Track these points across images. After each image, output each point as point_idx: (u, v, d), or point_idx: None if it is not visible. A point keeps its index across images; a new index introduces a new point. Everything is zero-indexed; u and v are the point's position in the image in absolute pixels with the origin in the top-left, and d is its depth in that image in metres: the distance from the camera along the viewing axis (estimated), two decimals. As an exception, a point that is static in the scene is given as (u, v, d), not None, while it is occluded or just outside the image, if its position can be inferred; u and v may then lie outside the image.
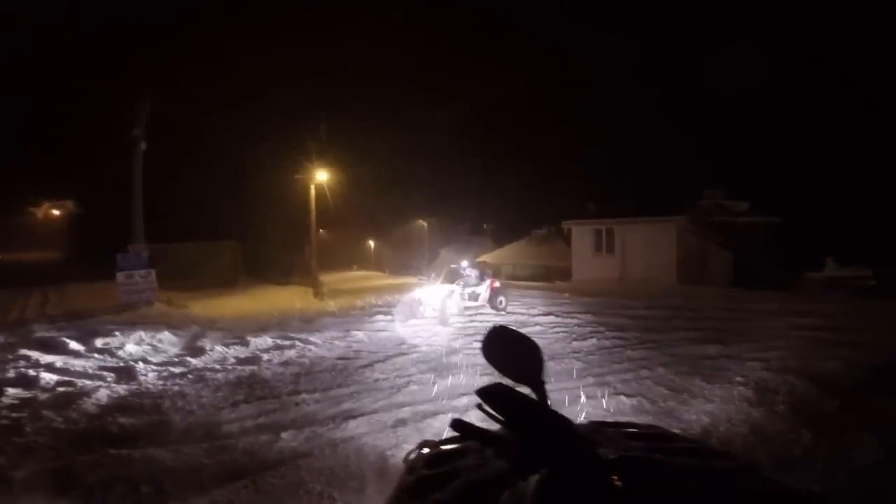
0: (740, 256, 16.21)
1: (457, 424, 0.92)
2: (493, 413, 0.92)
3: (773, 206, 18.48)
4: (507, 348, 1.06)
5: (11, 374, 6.03)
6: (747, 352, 6.44)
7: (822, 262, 14.00)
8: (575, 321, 9.07)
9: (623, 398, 4.86)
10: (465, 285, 10.34)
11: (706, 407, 4.61)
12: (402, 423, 4.41)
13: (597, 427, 1.26)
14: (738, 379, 5.30)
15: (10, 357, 6.78)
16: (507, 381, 1.00)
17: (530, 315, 9.89)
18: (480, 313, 10.17)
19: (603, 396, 4.89)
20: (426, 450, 1.15)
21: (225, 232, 19.70)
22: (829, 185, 20.57)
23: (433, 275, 11.59)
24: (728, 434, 4.00)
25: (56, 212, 33.93)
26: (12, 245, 33.16)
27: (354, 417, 4.57)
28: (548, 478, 0.79)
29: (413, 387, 5.48)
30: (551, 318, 9.42)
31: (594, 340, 7.48)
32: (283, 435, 4.16)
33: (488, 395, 0.93)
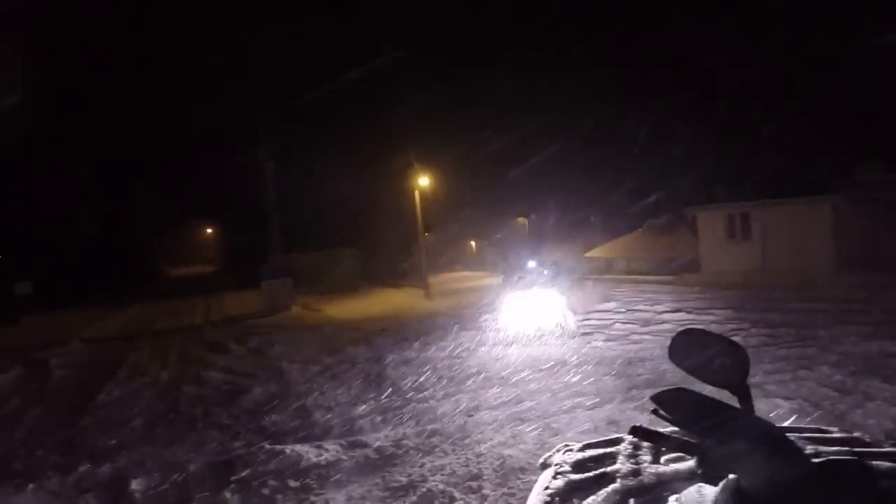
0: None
1: (637, 430, 0.95)
2: (669, 418, 0.95)
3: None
4: (700, 351, 0.99)
5: (189, 372, 7.14)
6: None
7: None
8: (711, 318, 8.17)
9: (779, 401, 4.23)
10: (544, 284, 9.17)
11: (890, 410, 3.84)
12: (521, 420, 4.35)
13: (781, 433, 1.13)
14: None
15: (185, 358, 8.04)
16: (697, 387, 0.98)
17: (655, 312, 9.12)
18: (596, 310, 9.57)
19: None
20: (568, 452, 1.09)
21: (344, 240, 21.36)
22: None
23: (517, 276, 10.55)
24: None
25: (210, 230, 39.79)
26: (180, 261, 39.66)
27: (471, 415, 4.60)
28: (738, 483, 0.75)
29: (533, 385, 5.37)
30: (681, 315, 8.59)
31: (737, 339, 6.62)
32: (407, 431, 4.31)
33: (665, 400, 0.97)
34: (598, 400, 4.70)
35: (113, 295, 17.99)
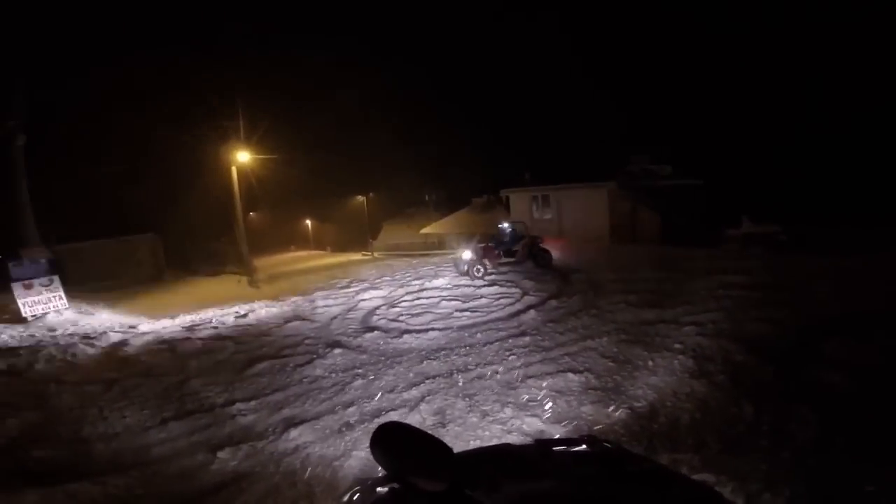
0: (667, 216, 17.24)
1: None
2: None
3: (693, 170, 19.70)
4: (404, 449, 0.87)
5: None
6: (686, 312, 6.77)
7: (740, 220, 15.11)
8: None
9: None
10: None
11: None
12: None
13: (544, 448, 1.19)
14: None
15: None
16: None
17: (476, 287, 9.94)
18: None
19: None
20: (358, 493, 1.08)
21: (141, 225, 18.06)
22: (741, 148, 22.24)
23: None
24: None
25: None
26: None
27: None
28: None
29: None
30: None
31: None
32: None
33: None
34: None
35: None
